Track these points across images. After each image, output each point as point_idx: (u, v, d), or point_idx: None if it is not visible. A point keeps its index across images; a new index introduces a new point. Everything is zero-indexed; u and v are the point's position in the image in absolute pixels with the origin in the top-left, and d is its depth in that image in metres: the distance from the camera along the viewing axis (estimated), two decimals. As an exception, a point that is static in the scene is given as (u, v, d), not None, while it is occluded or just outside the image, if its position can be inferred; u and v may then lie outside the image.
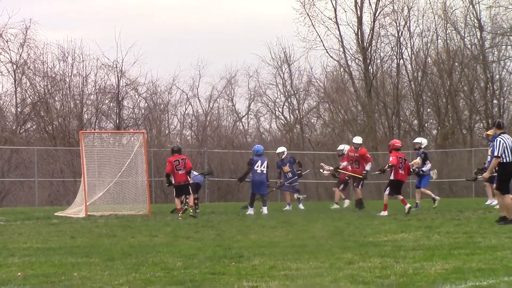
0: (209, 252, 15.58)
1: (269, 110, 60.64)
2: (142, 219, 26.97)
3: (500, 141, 19.90)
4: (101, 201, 30.85)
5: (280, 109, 60.48)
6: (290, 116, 59.91)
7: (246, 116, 61.08)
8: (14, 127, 53.09)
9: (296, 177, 31.87)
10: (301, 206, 31.50)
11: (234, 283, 11.53)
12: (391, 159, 27.01)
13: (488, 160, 26.04)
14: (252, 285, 11.36)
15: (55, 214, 29.78)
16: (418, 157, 29.11)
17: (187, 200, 26.39)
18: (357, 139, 31.52)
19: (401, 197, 27.06)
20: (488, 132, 32.03)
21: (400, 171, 26.94)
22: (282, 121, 60.48)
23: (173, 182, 26.02)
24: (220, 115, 60.38)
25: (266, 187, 29.37)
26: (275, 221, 22.74)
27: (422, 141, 30.79)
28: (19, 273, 13.09)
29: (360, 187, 30.47)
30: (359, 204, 29.79)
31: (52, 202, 35.26)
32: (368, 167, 30.12)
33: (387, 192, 27.36)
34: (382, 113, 55.64)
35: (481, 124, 55.25)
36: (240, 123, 61.08)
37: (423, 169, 28.88)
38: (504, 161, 20.02)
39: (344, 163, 30.65)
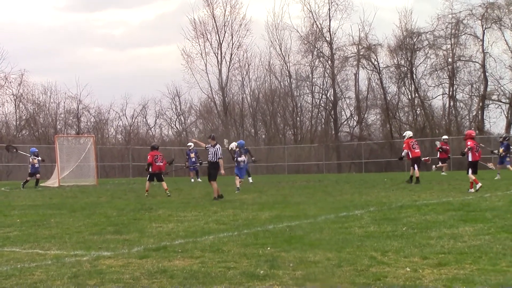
0: (132, 206, 15.93)
1: (167, 123, 61.09)
2: (92, 187, 27.05)
3: (220, 147, 18.36)
4: (68, 177, 31.52)
5: (174, 123, 60.71)
6: (180, 127, 60.65)
7: (154, 127, 61.28)
8: (15, 133, 54.11)
9: (198, 163, 31.19)
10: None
11: (147, 224, 11.96)
12: None
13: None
14: (158, 225, 11.69)
15: (40, 184, 29.79)
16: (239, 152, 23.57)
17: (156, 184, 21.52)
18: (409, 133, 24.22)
19: None
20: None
21: None
22: (175, 130, 60.71)
23: (150, 170, 20.89)
24: (138, 126, 61.25)
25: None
26: (171, 188, 22.84)
27: (240, 143, 24.64)
28: (18, 220, 13.08)
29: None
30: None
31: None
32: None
33: None
34: (233, 125, 56.52)
35: (291, 132, 56.28)
36: (150, 131, 60.94)
37: (239, 159, 23.05)
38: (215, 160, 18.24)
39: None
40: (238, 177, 22.57)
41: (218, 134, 52.64)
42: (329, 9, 53.18)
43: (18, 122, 54.77)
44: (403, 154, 23.12)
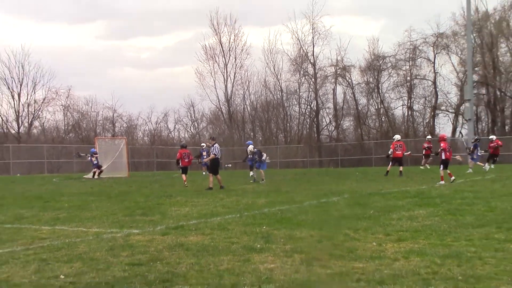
0: (156, 194, 15.85)
1: (184, 128, 60.99)
2: (125, 179, 27.22)
3: (217, 146, 18.11)
4: (105, 171, 31.13)
5: (189, 128, 60.72)
6: (194, 131, 60.78)
7: (173, 131, 61.11)
8: (63, 136, 54.45)
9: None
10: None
11: (168, 208, 11.87)
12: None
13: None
14: (176, 209, 11.62)
15: (83, 176, 30.09)
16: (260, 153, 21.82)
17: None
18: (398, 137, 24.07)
19: None
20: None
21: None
22: (190, 133, 60.55)
23: (180, 164, 20.33)
24: (161, 130, 60.99)
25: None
26: (188, 180, 22.67)
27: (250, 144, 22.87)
28: (66, 204, 13.07)
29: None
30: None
31: (82, 171, 34.48)
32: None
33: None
34: (236, 129, 56.50)
35: (282, 135, 56.06)
36: (170, 134, 60.88)
37: (263, 158, 21.61)
38: (218, 157, 18.08)
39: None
40: (254, 170, 22.01)
41: (224, 136, 52.73)
42: (313, 37, 52.85)
43: (66, 127, 55.44)
44: (389, 152, 23.34)
